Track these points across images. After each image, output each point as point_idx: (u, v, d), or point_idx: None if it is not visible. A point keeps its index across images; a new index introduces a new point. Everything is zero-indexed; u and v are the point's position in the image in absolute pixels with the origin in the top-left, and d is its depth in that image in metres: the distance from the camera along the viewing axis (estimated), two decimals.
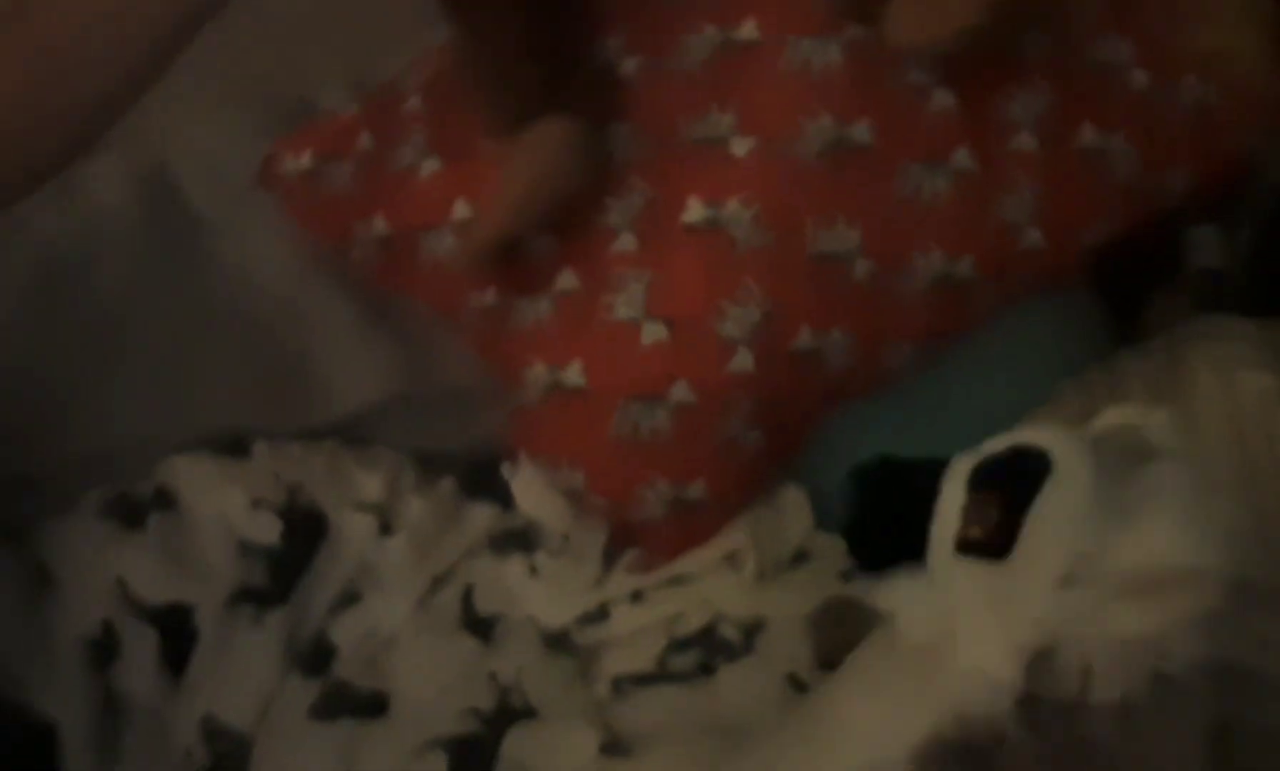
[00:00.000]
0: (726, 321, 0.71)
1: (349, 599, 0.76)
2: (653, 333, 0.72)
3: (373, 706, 0.72)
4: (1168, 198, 0.75)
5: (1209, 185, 0.75)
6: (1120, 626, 0.51)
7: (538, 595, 0.75)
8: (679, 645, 0.72)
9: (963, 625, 0.52)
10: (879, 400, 0.75)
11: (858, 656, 0.57)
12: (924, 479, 0.56)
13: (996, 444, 0.55)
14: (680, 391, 0.72)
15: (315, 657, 0.74)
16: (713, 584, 0.73)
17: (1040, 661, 0.51)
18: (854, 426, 0.75)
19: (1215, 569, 0.51)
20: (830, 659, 0.64)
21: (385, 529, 0.77)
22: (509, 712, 0.71)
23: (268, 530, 0.76)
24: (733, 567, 0.74)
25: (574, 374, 0.73)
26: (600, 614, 0.74)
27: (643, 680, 0.71)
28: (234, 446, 0.79)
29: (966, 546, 0.54)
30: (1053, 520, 0.52)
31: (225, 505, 0.76)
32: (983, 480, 0.55)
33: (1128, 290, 0.78)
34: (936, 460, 0.56)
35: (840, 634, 0.66)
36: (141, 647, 0.73)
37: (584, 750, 0.68)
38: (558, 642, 0.74)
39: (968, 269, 0.72)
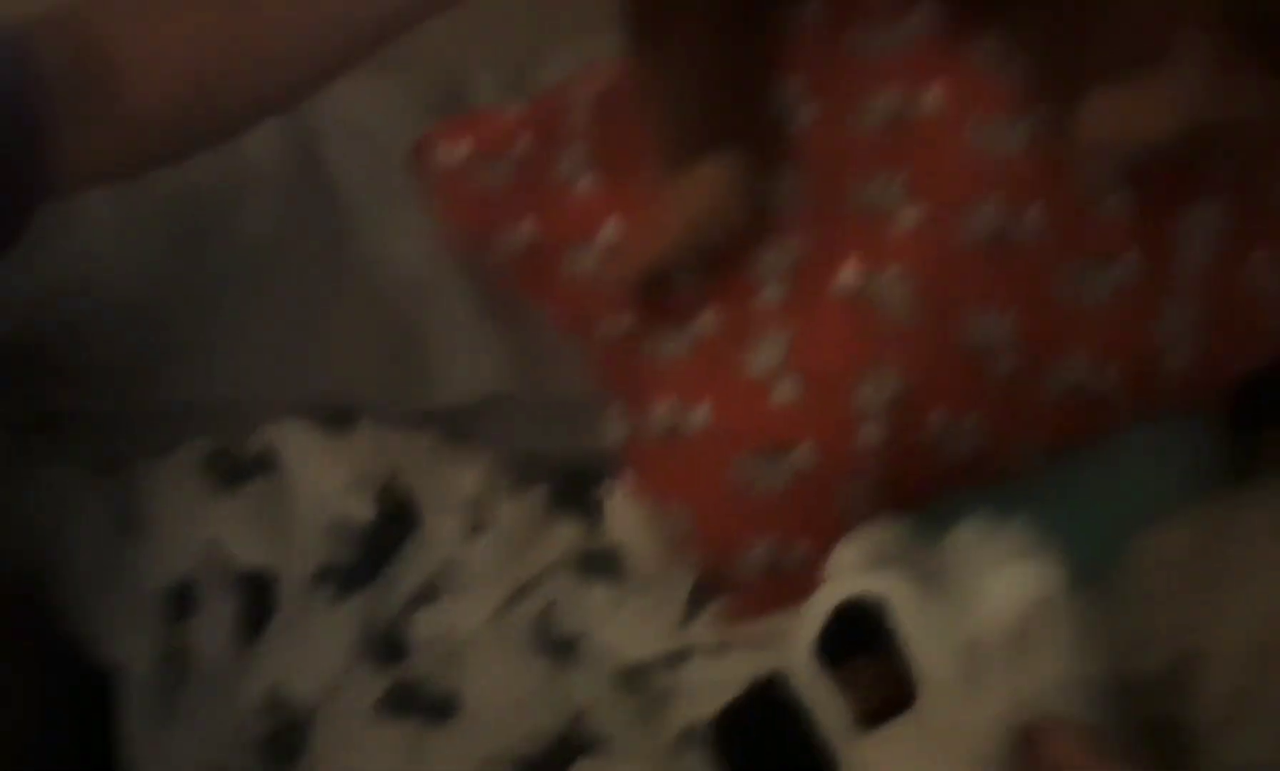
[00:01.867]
0: (862, 392, 0.70)
1: (429, 595, 0.75)
2: (785, 390, 0.71)
3: (441, 709, 0.71)
4: None
5: None
6: None
7: (620, 625, 0.73)
8: None
9: None
10: (991, 492, 0.73)
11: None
12: None
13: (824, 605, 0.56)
14: (803, 453, 0.70)
15: (389, 649, 0.73)
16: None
17: None
18: (960, 514, 0.73)
19: None
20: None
21: (475, 529, 0.76)
22: (577, 738, 0.69)
23: (362, 511, 0.75)
24: None
25: (700, 416, 0.72)
26: (680, 657, 0.73)
27: None
28: (338, 421, 0.78)
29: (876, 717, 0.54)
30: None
31: (324, 480, 0.75)
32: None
33: (1247, 421, 0.76)
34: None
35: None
36: (220, 608, 0.72)
37: None
38: (632, 676, 0.72)
39: (1111, 378, 0.71)
